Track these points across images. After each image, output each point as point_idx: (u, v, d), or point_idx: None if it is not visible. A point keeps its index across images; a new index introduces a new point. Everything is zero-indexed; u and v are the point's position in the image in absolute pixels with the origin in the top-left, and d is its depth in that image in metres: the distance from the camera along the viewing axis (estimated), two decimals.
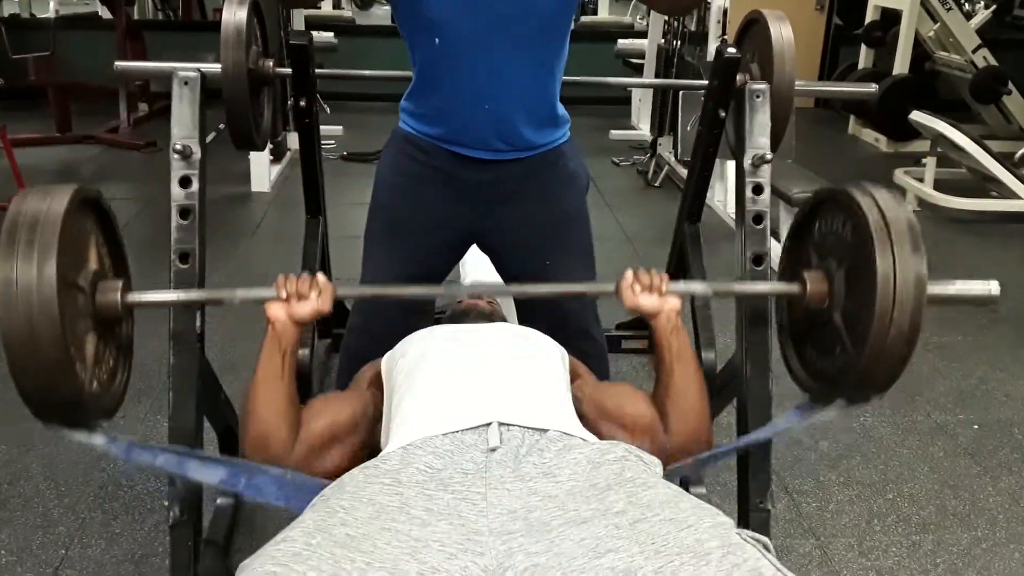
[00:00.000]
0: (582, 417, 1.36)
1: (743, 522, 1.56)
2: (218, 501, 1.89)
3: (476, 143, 1.66)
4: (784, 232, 3.62)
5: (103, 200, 1.25)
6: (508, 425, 1.10)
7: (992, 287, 1.29)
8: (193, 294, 1.45)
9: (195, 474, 1.29)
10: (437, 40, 1.54)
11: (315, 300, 1.30)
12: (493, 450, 1.05)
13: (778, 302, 1.48)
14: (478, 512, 0.94)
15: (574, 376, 1.44)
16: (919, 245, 1.17)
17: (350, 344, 1.86)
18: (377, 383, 1.41)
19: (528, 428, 1.10)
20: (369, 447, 1.35)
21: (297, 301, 1.29)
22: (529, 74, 1.60)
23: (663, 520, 0.92)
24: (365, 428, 1.35)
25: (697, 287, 1.69)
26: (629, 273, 1.36)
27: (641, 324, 2.52)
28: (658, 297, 1.35)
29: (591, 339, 1.82)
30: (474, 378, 1.25)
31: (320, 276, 1.32)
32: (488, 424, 1.10)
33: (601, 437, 1.33)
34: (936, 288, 1.21)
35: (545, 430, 1.11)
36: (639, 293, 1.35)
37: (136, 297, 1.25)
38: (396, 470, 1.02)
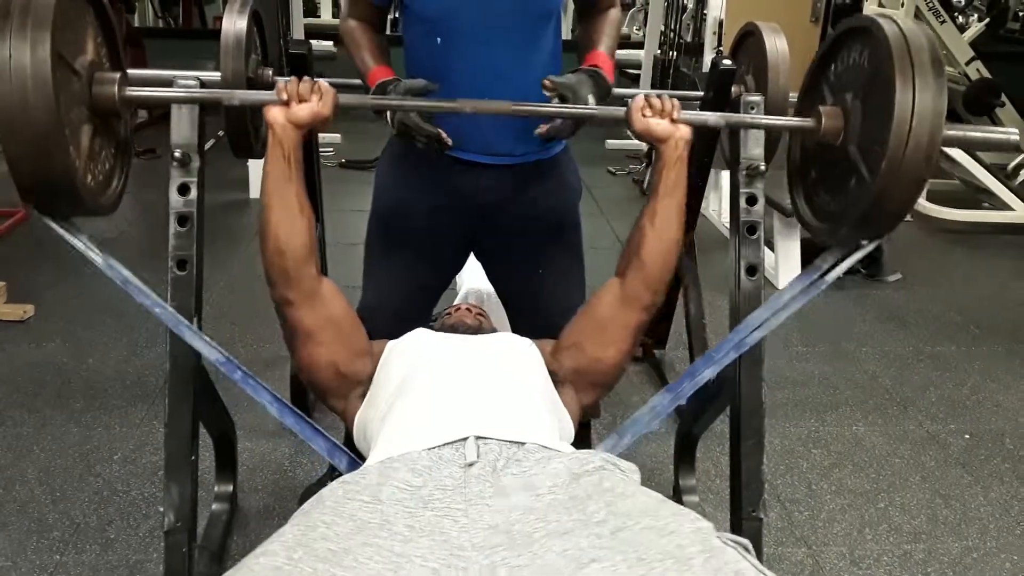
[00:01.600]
0: (567, 381, 1.41)
1: (736, 530, 1.57)
2: (213, 507, 1.89)
3: (475, 146, 1.66)
4: (777, 242, 3.64)
5: None
6: (485, 439, 1.10)
7: (1012, 134, 1.27)
8: (192, 92, 1.41)
9: (192, 340, 1.36)
10: (439, 39, 1.56)
11: (315, 103, 1.31)
12: (470, 465, 1.05)
13: (791, 142, 1.46)
14: (460, 528, 0.94)
15: (545, 359, 1.44)
16: (940, 67, 1.15)
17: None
18: (377, 360, 1.42)
19: (505, 441, 1.11)
20: (342, 386, 1.40)
21: (297, 103, 1.30)
22: (528, 73, 1.61)
23: (644, 528, 0.93)
24: (354, 364, 1.39)
25: (710, 117, 1.63)
26: (640, 97, 1.37)
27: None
28: (669, 122, 1.36)
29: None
30: (453, 393, 1.25)
31: (322, 81, 1.33)
32: (465, 439, 1.11)
33: (587, 372, 1.41)
34: (954, 129, 1.20)
35: (523, 443, 1.11)
36: (650, 117, 1.36)
37: (134, 92, 1.23)
38: (375, 486, 1.02)
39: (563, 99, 1.52)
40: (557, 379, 1.40)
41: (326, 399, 1.43)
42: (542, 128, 1.58)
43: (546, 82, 1.53)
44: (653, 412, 1.47)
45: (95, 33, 1.23)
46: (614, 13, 1.72)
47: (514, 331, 1.72)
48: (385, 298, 1.74)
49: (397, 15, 1.65)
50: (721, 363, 1.48)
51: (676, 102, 1.37)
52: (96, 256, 1.30)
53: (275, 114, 1.31)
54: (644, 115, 1.37)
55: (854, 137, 1.27)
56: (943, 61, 1.17)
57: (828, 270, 1.37)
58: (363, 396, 1.38)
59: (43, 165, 1.07)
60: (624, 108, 1.39)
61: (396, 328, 1.48)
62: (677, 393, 1.48)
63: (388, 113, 1.57)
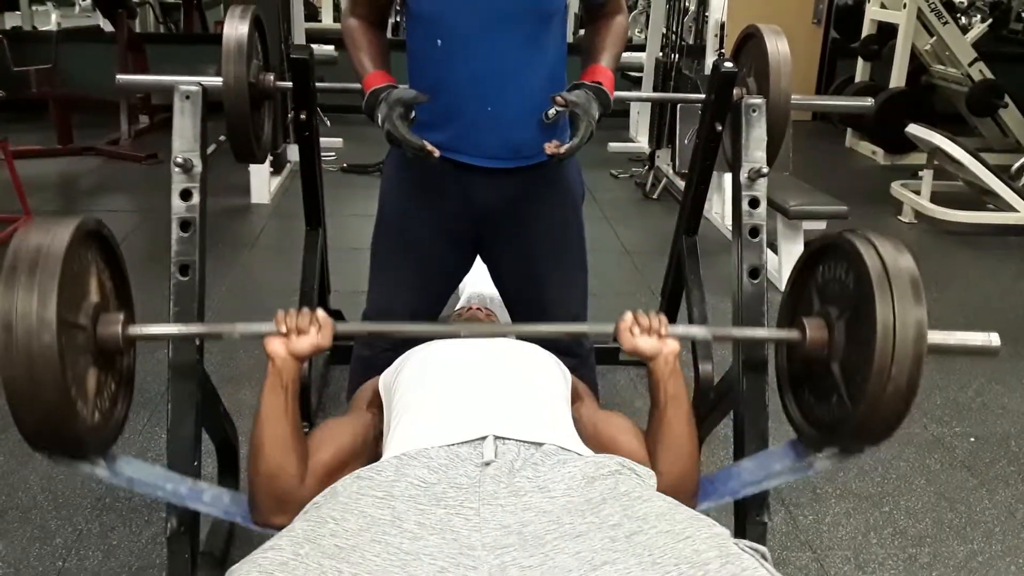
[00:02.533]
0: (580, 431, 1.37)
1: (740, 535, 1.56)
2: None
3: (478, 150, 1.66)
4: (780, 244, 3.63)
5: (105, 229, 1.24)
6: (504, 439, 1.11)
7: (992, 339, 1.28)
8: (193, 328, 1.45)
9: (204, 508, 1.34)
10: (439, 41, 1.56)
11: (315, 335, 1.29)
12: (487, 464, 1.05)
13: (777, 347, 1.47)
14: (471, 527, 0.94)
15: (575, 397, 1.44)
16: (920, 297, 1.15)
17: (362, 354, 1.88)
18: (376, 402, 1.42)
19: (524, 442, 1.11)
20: (351, 467, 1.35)
21: (297, 336, 1.28)
22: (530, 75, 1.60)
23: (659, 532, 0.92)
24: (369, 449, 1.35)
25: (697, 332, 1.70)
26: (628, 315, 1.36)
27: None
28: (657, 339, 1.34)
29: (579, 344, 1.86)
30: (472, 391, 1.26)
31: (320, 312, 1.31)
32: (484, 438, 1.10)
33: (613, 450, 1.34)
34: (937, 337, 1.20)
35: (541, 444, 1.11)
36: (638, 335, 1.34)
37: (137, 330, 1.25)
38: (389, 482, 1.02)
39: (574, 116, 1.54)
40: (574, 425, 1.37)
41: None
42: (557, 149, 1.54)
43: (557, 98, 1.54)
44: None
45: (99, 271, 1.24)
46: (620, 20, 1.72)
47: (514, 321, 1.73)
48: (394, 302, 1.76)
49: (401, 20, 1.64)
50: (717, 502, 1.44)
51: (663, 318, 1.36)
52: (103, 472, 1.28)
53: (276, 347, 1.28)
54: (632, 333, 1.35)
55: (838, 354, 1.27)
56: (922, 289, 1.16)
57: (817, 459, 1.36)
58: (383, 437, 1.36)
59: (53, 432, 1.09)
60: (612, 326, 1.37)
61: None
62: None
63: (378, 120, 1.56)
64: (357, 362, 1.90)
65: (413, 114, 1.57)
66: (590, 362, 1.91)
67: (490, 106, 1.60)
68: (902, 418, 1.19)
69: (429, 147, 1.52)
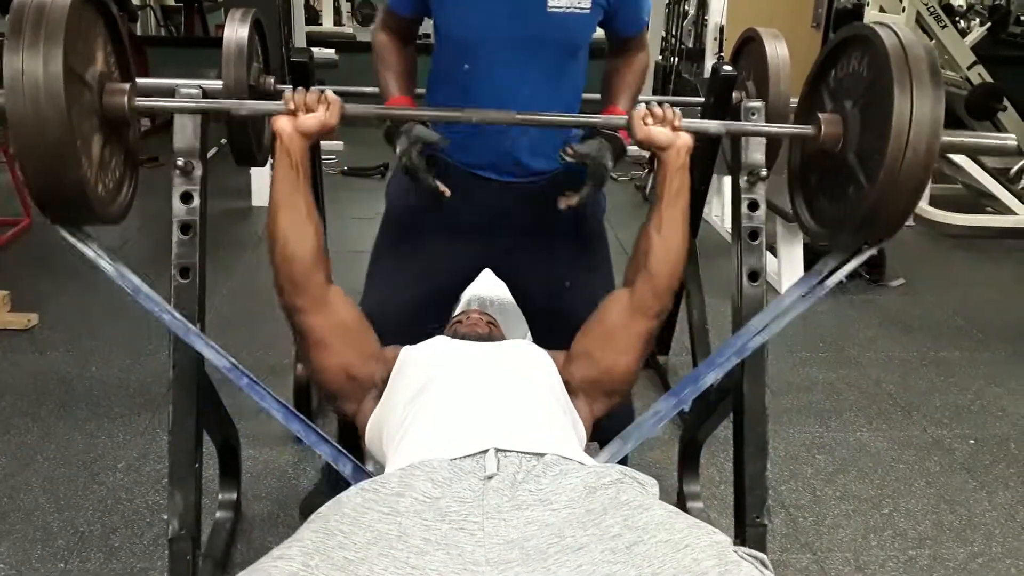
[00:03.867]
0: (580, 391, 1.40)
1: (740, 537, 1.57)
2: (217, 515, 1.89)
3: (496, 169, 1.68)
4: (780, 247, 3.64)
5: (111, 4, 1.26)
6: (505, 451, 1.11)
7: (1009, 139, 1.27)
8: (201, 103, 1.43)
9: (200, 347, 1.37)
10: (466, 66, 1.57)
11: (322, 113, 1.32)
12: (490, 477, 1.05)
13: (791, 149, 1.47)
14: (475, 542, 0.94)
15: (560, 369, 1.44)
16: (938, 76, 1.16)
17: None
18: (391, 366, 1.42)
19: (525, 453, 1.11)
20: (351, 392, 1.40)
21: (304, 113, 1.31)
22: (553, 101, 1.61)
23: (659, 542, 0.92)
24: (364, 369, 1.39)
25: (710, 125, 1.65)
26: (642, 106, 1.39)
27: None
28: (670, 131, 1.37)
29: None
30: (473, 402, 1.25)
31: (329, 91, 1.34)
32: (485, 451, 1.10)
33: (601, 382, 1.41)
34: (952, 135, 1.20)
35: (542, 454, 1.11)
36: (652, 125, 1.37)
37: (144, 101, 1.25)
38: (394, 497, 1.02)
39: (583, 166, 1.57)
40: (570, 388, 1.40)
41: (337, 403, 1.44)
42: (569, 200, 1.59)
43: (568, 150, 1.56)
44: (656, 417, 1.48)
45: (105, 43, 1.25)
46: (642, 59, 1.72)
47: (537, 343, 1.70)
48: (391, 305, 1.71)
49: (429, 33, 1.65)
50: (723, 367, 1.48)
51: (677, 111, 1.38)
52: (107, 265, 1.31)
53: (283, 124, 1.32)
54: (646, 123, 1.37)
55: (853, 145, 1.27)
56: (940, 71, 1.18)
57: (829, 274, 1.37)
58: (376, 399, 1.38)
59: (57, 177, 1.10)
60: (626, 117, 1.39)
61: (400, 336, 1.48)
62: (680, 398, 1.48)
63: (397, 150, 1.58)
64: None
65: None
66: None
67: (515, 131, 1.62)
68: (917, 198, 1.19)
69: (442, 188, 1.56)
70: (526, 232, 1.73)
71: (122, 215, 1.29)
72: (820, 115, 1.33)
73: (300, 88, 1.33)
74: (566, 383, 1.40)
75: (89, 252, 1.27)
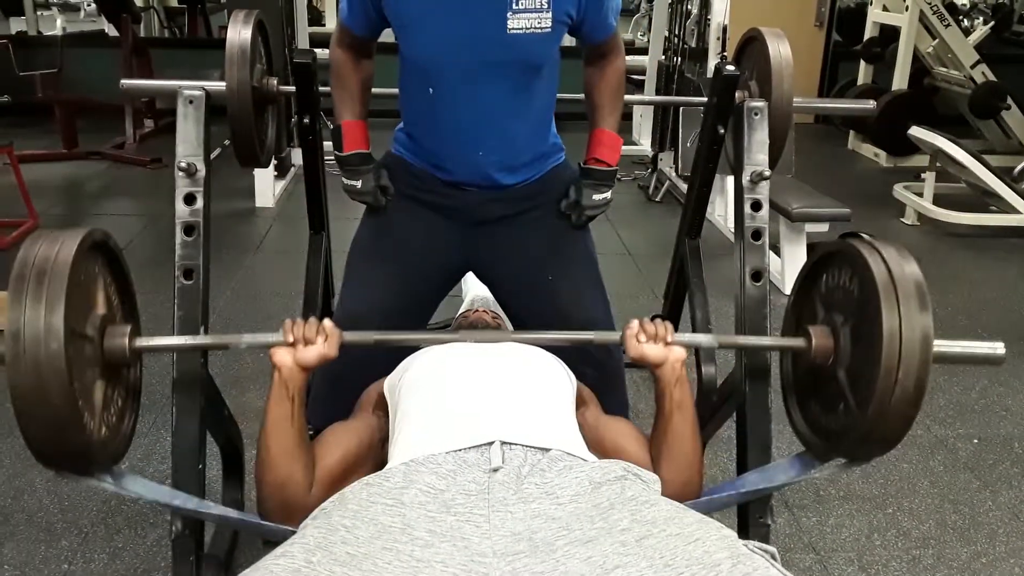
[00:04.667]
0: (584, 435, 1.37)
1: (743, 537, 1.56)
2: None
3: (468, 181, 1.70)
4: (783, 247, 3.63)
5: (111, 241, 1.25)
6: (510, 444, 1.11)
7: (997, 348, 1.28)
8: (199, 340, 1.46)
9: (212, 518, 1.33)
10: (431, 89, 1.58)
11: (321, 345, 1.28)
12: (495, 470, 1.05)
13: (783, 356, 1.47)
14: (482, 534, 0.94)
15: (580, 402, 1.44)
16: (926, 303, 1.15)
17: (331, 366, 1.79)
18: (381, 405, 1.42)
19: (530, 447, 1.11)
20: (359, 474, 1.34)
21: (303, 346, 1.28)
22: (521, 121, 1.65)
23: (669, 535, 0.92)
24: (375, 453, 1.35)
25: (703, 340, 1.70)
26: (635, 323, 1.36)
27: None
28: (663, 347, 1.34)
29: (609, 354, 1.76)
30: (478, 396, 1.26)
31: (327, 322, 1.31)
32: (491, 443, 1.10)
33: (612, 452, 1.34)
34: (942, 346, 1.20)
35: (547, 449, 1.11)
36: (644, 343, 1.34)
37: (144, 342, 1.25)
38: (399, 490, 1.02)
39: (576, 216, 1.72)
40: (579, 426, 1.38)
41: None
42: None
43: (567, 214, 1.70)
44: None
45: (106, 283, 1.24)
46: (618, 66, 1.72)
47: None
48: (371, 308, 1.70)
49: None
50: (723, 505, 1.44)
51: (669, 326, 1.36)
52: (110, 485, 1.28)
53: (282, 357, 1.28)
54: (639, 340, 1.34)
55: (844, 361, 1.27)
56: (927, 295, 1.16)
57: (820, 468, 1.36)
58: (388, 440, 1.36)
59: (60, 442, 1.09)
60: (619, 334, 1.38)
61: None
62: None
63: (356, 183, 1.71)
64: (323, 380, 1.75)
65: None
66: (620, 374, 1.80)
67: (480, 151, 1.64)
68: (909, 425, 1.18)
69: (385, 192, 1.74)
70: (503, 230, 1.74)
71: (124, 449, 1.28)
72: (811, 328, 1.32)
73: (298, 321, 1.30)
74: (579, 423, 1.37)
75: (93, 484, 1.27)
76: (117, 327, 1.22)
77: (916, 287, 1.16)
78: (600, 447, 1.34)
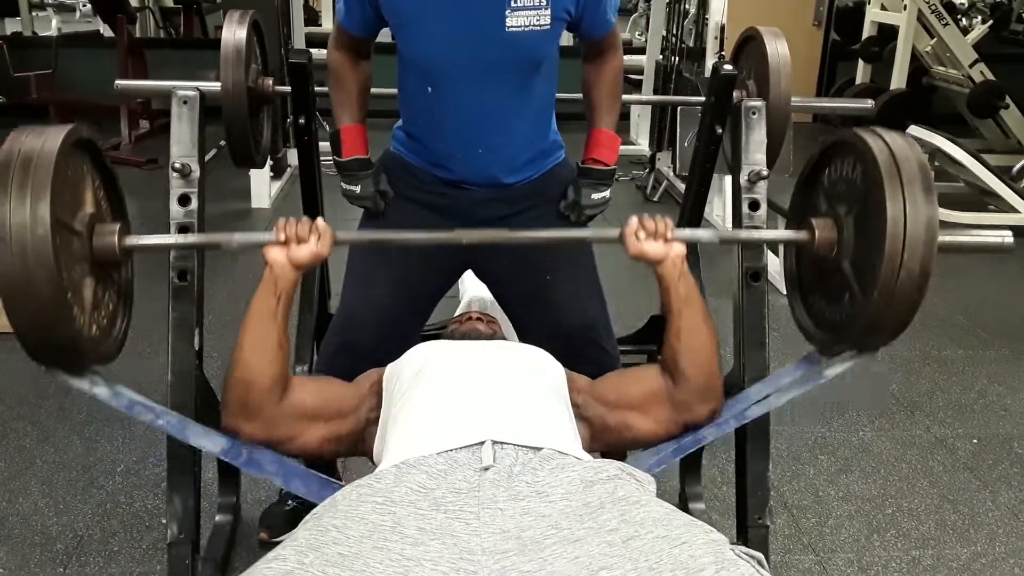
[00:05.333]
0: (587, 421, 1.37)
1: (742, 538, 1.56)
2: (216, 519, 1.88)
3: (469, 181, 1.69)
4: (781, 246, 3.62)
5: (98, 144, 1.24)
6: (502, 443, 1.10)
7: (1005, 236, 1.26)
8: (191, 238, 1.42)
9: (196, 440, 1.32)
10: (430, 89, 1.57)
11: (314, 244, 1.30)
12: (486, 469, 1.05)
13: (786, 250, 1.45)
14: (471, 532, 0.94)
15: (573, 388, 1.43)
16: (931, 187, 1.13)
17: (332, 341, 1.77)
18: (377, 391, 1.41)
19: (522, 446, 1.10)
20: (348, 444, 1.37)
21: (296, 244, 1.29)
22: (521, 118, 1.63)
23: (656, 538, 0.92)
24: (351, 423, 1.36)
25: (702, 235, 1.65)
26: (634, 220, 1.36)
27: (642, 338, 2.52)
28: (663, 243, 1.34)
29: (605, 354, 1.75)
30: (469, 396, 1.25)
31: (320, 221, 1.32)
32: (482, 442, 1.10)
33: (612, 431, 1.36)
34: (948, 235, 1.18)
35: (539, 448, 1.11)
36: (644, 240, 1.34)
37: (134, 240, 1.23)
38: (389, 488, 1.02)
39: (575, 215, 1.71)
40: (577, 414, 1.37)
41: (343, 453, 1.42)
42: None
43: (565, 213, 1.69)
44: (656, 460, 1.41)
45: (93, 183, 1.23)
46: (616, 64, 1.71)
47: (523, 342, 1.69)
48: (371, 308, 1.71)
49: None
50: (722, 429, 1.43)
51: (669, 222, 1.35)
52: (102, 391, 1.28)
53: (276, 254, 1.29)
54: (638, 238, 1.34)
55: (847, 252, 1.25)
56: (932, 179, 1.15)
57: (828, 364, 1.35)
58: (375, 424, 1.37)
59: (48, 333, 1.08)
60: (617, 231, 1.37)
61: (379, 338, 1.47)
62: (680, 446, 1.41)
63: (355, 187, 1.70)
64: (327, 349, 1.77)
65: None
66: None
67: (480, 148, 1.64)
68: (915, 310, 1.16)
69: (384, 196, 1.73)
70: (503, 226, 1.73)
71: (116, 351, 1.28)
72: (814, 220, 1.31)
73: (291, 219, 1.31)
74: (575, 406, 1.37)
75: (83, 386, 1.25)
76: (106, 225, 1.21)
77: (920, 169, 1.15)
78: (608, 404, 1.36)
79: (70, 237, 1.12)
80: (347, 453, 1.43)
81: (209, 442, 1.34)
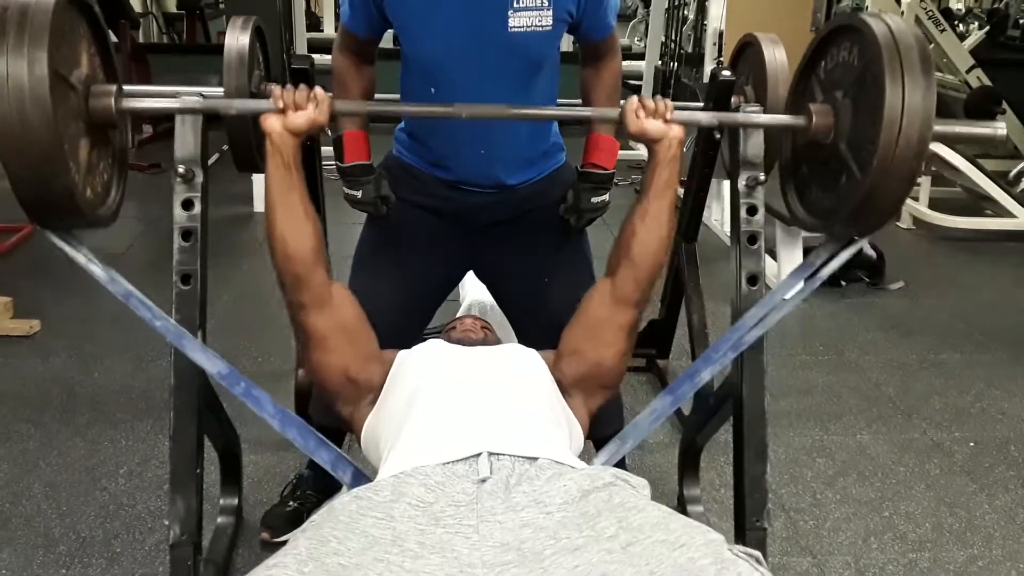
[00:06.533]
0: (574, 385, 1.41)
1: (740, 540, 1.57)
2: (218, 520, 1.89)
3: (471, 182, 1.70)
4: (779, 251, 3.65)
5: (95, 7, 1.24)
6: (498, 455, 1.11)
7: (999, 128, 1.28)
8: (188, 102, 1.42)
9: (192, 354, 1.35)
10: (432, 89, 1.59)
11: (312, 111, 1.32)
12: (483, 481, 1.06)
13: (781, 140, 1.47)
14: (471, 545, 0.95)
15: (552, 370, 1.44)
16: (929, 65, 1.16)
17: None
18: (387, 370, 1.42)
19: (518, 457, 1.11)
20: (352, 396, 1.40)
21: (294, 112, 1.31)
22: (520, 121, 1.64)
23: (655, 542, 0.93)
24: (365, 372, 1.39)
25: (702, 117, 1.68)
26: (634, 99, 1.39)
27: (640, 341, 2.53)
28: (662, 123, 1.37)
29: None
30: (465, 407, 1.26)
31: (318, 89, 1.34)
32: (478, 454, 1.11)
33: (592, 377, 1.41)
34: (943, 125, 1.20)
35: (535, 458, 1.11)
36: (644, 118, 1.37)
37: (131, 103, 1.24)
38: (388, 504, 1.02)
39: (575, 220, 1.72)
40: (563, 387, 1.41)
41: (335, 405, 1.44)
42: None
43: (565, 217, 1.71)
44: (653, 415, 1.48)
45: (89, 46, 1.24)
46: (614, 68, 1.73)
47: (521, 343, 1.71)
48: (376, 309, 1.71)
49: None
50: (720, 362, 1.48)
51: (669, 103, 1.39)
52: (98, 269, 1.30)
53: (272, 123, 1.32)
54: (638, 116, 1.38)
55: (844, 135, 1.28)
56: (931, 58, 1.17)
57: (822, 265, 1.38)
58: (373, 403, 1.39)
59: (44, 182, 1.08)
60: (618, 110, 1.40)
61: (385, 341, 1.48)
62: (677, 395, 1.48)
63: (357, 193, 1.72)
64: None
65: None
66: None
67: (482, 149, 1.66)
68: (911, 183, 1.18)
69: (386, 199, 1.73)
70: (505, 232, 1.75)
71: (112, 218, 1.28)
72: (811, 105, 1.33)
73: (289, 86, 1.33)
74: (558, 382, 1.41)
75: (80, 257, 1.27)
76: (102, 87, 1.21)
77: (920, 52, 1.17)
78: (575, 349, 1.41)
79: (67, 91, 1.12)
80: (340, 406, 1.43)
81: (207, 361, 1.36)
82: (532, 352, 1.46)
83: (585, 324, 1.44)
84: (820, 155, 1.33)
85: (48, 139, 1.05)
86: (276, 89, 1.33)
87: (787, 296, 1.46)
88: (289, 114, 1.32)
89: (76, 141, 1.15)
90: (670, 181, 1.39)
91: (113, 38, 6.19)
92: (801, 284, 1.42)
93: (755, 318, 1.48)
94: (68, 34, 1.15)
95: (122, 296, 1.35)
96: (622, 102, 1.44)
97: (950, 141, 1.26)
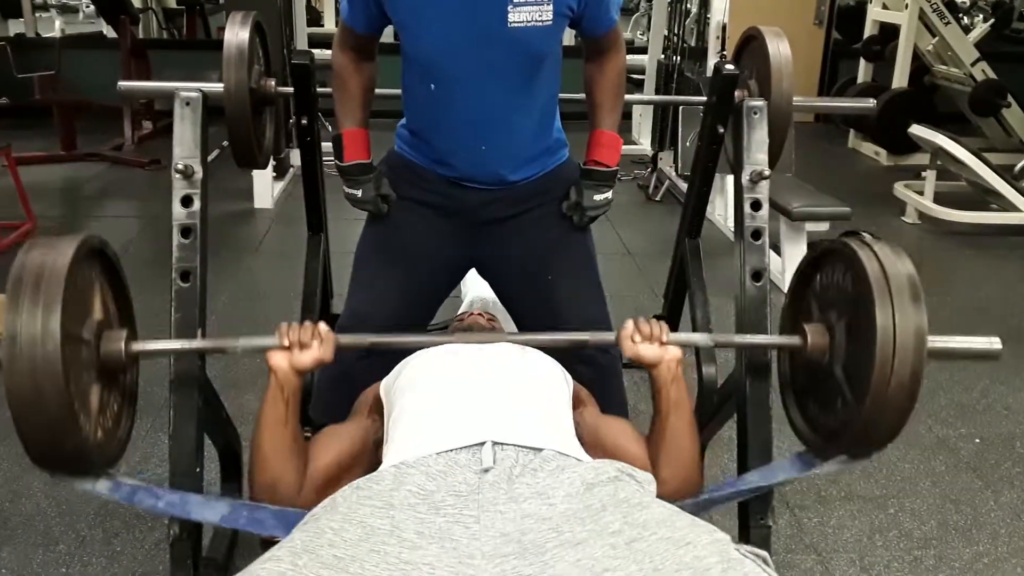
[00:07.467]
0: (580, 440, 1.36)
1: (744, 538, 1.56)
2: None
3: (473, 179, 1.69)
4: (783, 246, 3.63)
5: (108, 248, 1.26)
6: (502, 444, 1.10)
7: (994, 343, 1.28)
8: (195, 343, 1.44)
9: (197, 514, 1.31)
10: (433, 86, 1.57)
11: (317, 349, 1.29)
12: (486, 470, 1.05)
13: (779, 354, 1.47)
14: (471, 535, 0.94)
15: (577, 402, 1.43)
16: (919, 298, 1.16)
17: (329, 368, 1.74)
18: (377, 407, 1.41)
19: (522, 447, 1.10)
20: (370, 470, 1.35)
21: (299, 350, 1.28)
22: (524, 115, 1.64)
23: (660, 539, 0.92)
24: (369, 457, 1.35)
25: (698, 339, 1.71)
26: (630, 323, 1.36)
27: None
28: (658, 347, 1.34)
29: (605, 353, 1.75)
30: (470, 396, 1.25)
31: (322, 325, 1.31)
32: (482, 443, 1.10)
33: (612, 454, 1.33)
34: (938, 341, 1.20)
35: (540, 449, 1.10)
36: (639, 343, 1.34)
37: (140, 346, 1.25)
38: (388, 491, 1.02)
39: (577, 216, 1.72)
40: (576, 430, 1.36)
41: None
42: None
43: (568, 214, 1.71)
44: None
45: (103, 292, 1.25)
46: (617, 62, 1.71)
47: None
48: (378, 308, 1.71)
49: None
50: (715, 505, 1.43)
51: (664, 325, 1.36)
52: (104, 484, 1.28)
53: (279, 361, 1.28)
54: (634, 341, 1.34)
55: (839, 358, 1.28)
56: (920, 290, 1.17)
57: (821, 465, 1.36)
58: (384, 444, 1.35)
59: (55, 444, 1.10)
60: (614, 334, 1.38)
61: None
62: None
63: (357, 192, 1.71)
64: (326, 376, 1.76)
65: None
66: (616, 371, 1.79)
67: (484, 145, 1.64)
68: (906, 418, 1.19)
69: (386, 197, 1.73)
70: (507, 228, 1.74)
71: (120, 452, 1.29)
72: (806, 325, 1.33)
73: (294, 324, 1.30)
74: (574, 422, 1.36)
75: (87, 487, 1.26)
76: (113, 332, 1.23)
77: (909, 281, 1.18)
78: (599, 447, 1.33)
79: (79, 347, 1.14)
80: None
81: (210, 512, 1.32)
82: (549, 357, 1.44)
83: (612, 451, 1.35)
84: (817, 373, 1.33)
85: (61, 413, 1.06)
86: (283, 326, 1.30)
87: (783, 479, 1.43)
88: (295, 352, 1.28)
89: (87, 391, 1.17)
90: (679, 400, 1.34)
91: (113, 34, 6.18)
92: (801, 470, 1.39)
93: (751, 483, 1.43)
94: (81, 288, 1.16)
95: (126, 499, 1.30)
96: (617, 327, 1.39)
97: (945, 359, 1.26)
